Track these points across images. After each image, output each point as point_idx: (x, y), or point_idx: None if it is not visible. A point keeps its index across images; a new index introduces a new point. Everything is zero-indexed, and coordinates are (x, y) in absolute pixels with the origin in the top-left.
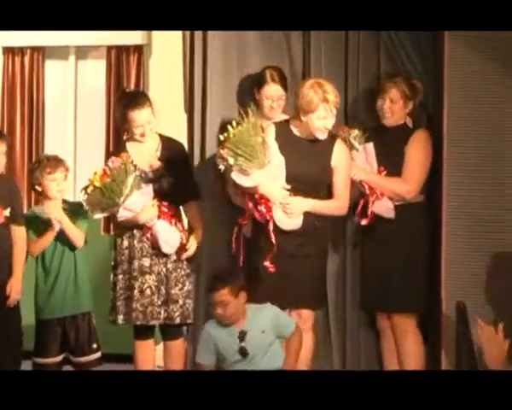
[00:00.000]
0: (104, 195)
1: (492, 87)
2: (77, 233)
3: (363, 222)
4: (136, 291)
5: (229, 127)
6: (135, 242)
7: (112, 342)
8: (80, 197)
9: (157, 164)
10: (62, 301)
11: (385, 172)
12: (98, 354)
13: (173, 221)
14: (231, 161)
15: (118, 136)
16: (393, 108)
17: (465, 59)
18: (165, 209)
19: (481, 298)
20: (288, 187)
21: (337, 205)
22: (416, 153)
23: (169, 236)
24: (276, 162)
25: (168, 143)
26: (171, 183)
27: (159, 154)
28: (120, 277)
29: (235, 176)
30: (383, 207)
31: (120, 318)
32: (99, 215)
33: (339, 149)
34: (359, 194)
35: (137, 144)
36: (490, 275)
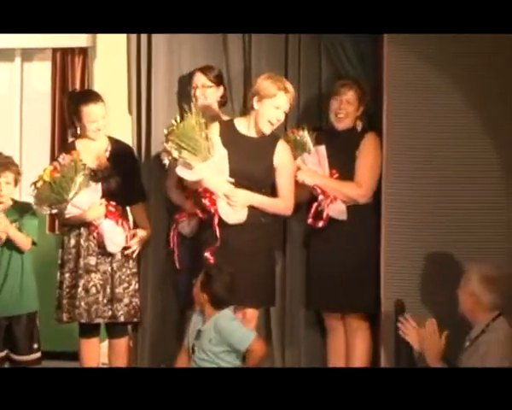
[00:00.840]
0: (53, 190)
1: (431, 89)
2: (23, 239)
3: (320, 224)
4: (80, 289)
5: (174, 121)
6: (81, 240)
7: (58, 340)
8: (29, 193)
9: (106, 164)
10: (9, 301)
11: (337, 174)
12: (38, 354)
13: (120, 221)
14: (175, 154)
15: (63, 137)
16: (348, 109)
17: (404, 61)
18: (112, 209)
19: (419, 296)
20: (232, 181)
21: (282, 205)
22: (368, 157)
23: (115, 235)
24: (219, 156)
25: (117, 145)
26: (119, 183)
27: (108, 154)
28: (67, 275)
29: (180, 170)
30: (336, 210)
31: (66, 316)
32: (47, 211)
33: (281, 149)
34: (311, 196)
35: (87, 143)
36: (428, 274)
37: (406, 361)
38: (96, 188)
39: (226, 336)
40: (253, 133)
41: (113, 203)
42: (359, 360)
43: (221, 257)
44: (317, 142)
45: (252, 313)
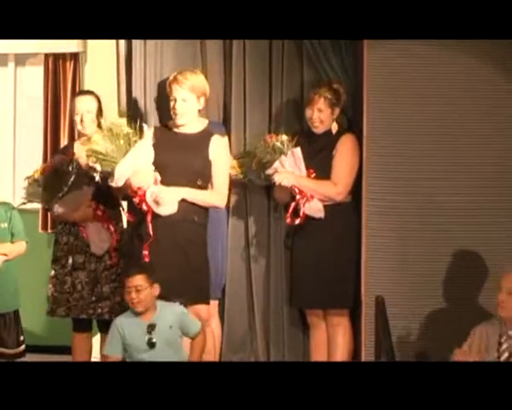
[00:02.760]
0: (43, 187)
1: (410, 92)
2: (19, 249)
3: (297, 222)
4: (68, 285)
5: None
6: (73, 238)
7: (51, 335)
8: (22, 192)
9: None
10: None
11: (314, 174)
12: (23, 347)
13: (106, 225)
14: (98, 167)
15: (56, 140)
16: (322, 117)
17: (384, 64)
18: (99, 213)
19: (400, 293)
20: (159, 176)
21: (215, 198)
22: (344, 156)
23: (99, 238)
24: (143, 154)
25: None
26: (109, 187)
27: None
28: (59, 271)
29: (111, 182)
30: (313, 209)
31: (58, 310)
32: (34, 204)
33: (215, 143)
34: (290, 196)
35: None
36: (408, 270)
37: (386, 355)
38: (86, 191)
39: (184, 319)
40: (184, 130)
41: (102, 207)
42: (340, 354)
43: (154, 252)
44: (296, 145)
45: (204, 310)
